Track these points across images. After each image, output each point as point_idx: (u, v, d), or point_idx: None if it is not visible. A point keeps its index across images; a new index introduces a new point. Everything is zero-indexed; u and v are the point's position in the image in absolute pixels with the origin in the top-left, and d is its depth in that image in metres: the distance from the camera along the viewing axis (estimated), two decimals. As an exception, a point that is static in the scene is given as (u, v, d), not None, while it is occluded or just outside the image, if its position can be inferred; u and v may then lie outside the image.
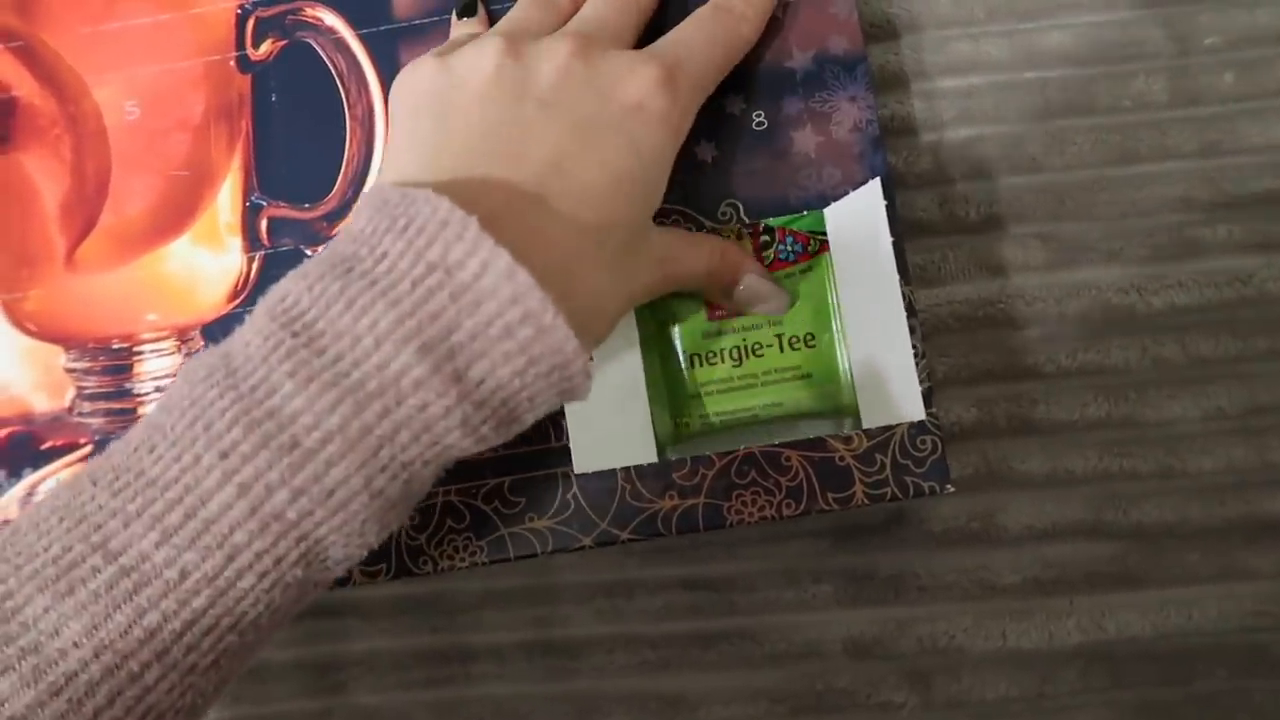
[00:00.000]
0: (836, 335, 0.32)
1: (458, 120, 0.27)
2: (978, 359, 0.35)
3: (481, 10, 0.34)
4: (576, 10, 0.31)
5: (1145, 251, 0.35)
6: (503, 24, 0.31)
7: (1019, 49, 0.36)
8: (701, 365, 0.33)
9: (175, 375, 0.24)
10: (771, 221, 0.33)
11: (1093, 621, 0.33)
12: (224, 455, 0.21)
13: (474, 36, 0.31)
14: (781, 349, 0.32)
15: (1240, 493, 0.34)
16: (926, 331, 0.35)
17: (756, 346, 0.32)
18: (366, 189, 0.34)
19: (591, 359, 0.25)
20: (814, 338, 0.32)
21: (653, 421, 0.31)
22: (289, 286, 0.23)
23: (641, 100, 0.28)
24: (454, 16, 0.34)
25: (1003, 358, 0.35)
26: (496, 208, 0.24)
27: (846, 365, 0.32)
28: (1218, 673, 0.33)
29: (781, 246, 0.33)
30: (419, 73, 0.28)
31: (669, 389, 0.33)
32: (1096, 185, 0.35)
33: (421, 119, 0.27)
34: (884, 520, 0.35)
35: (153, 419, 0.23)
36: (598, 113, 0.27)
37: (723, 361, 0.33)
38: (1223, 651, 0.33)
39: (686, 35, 0.30)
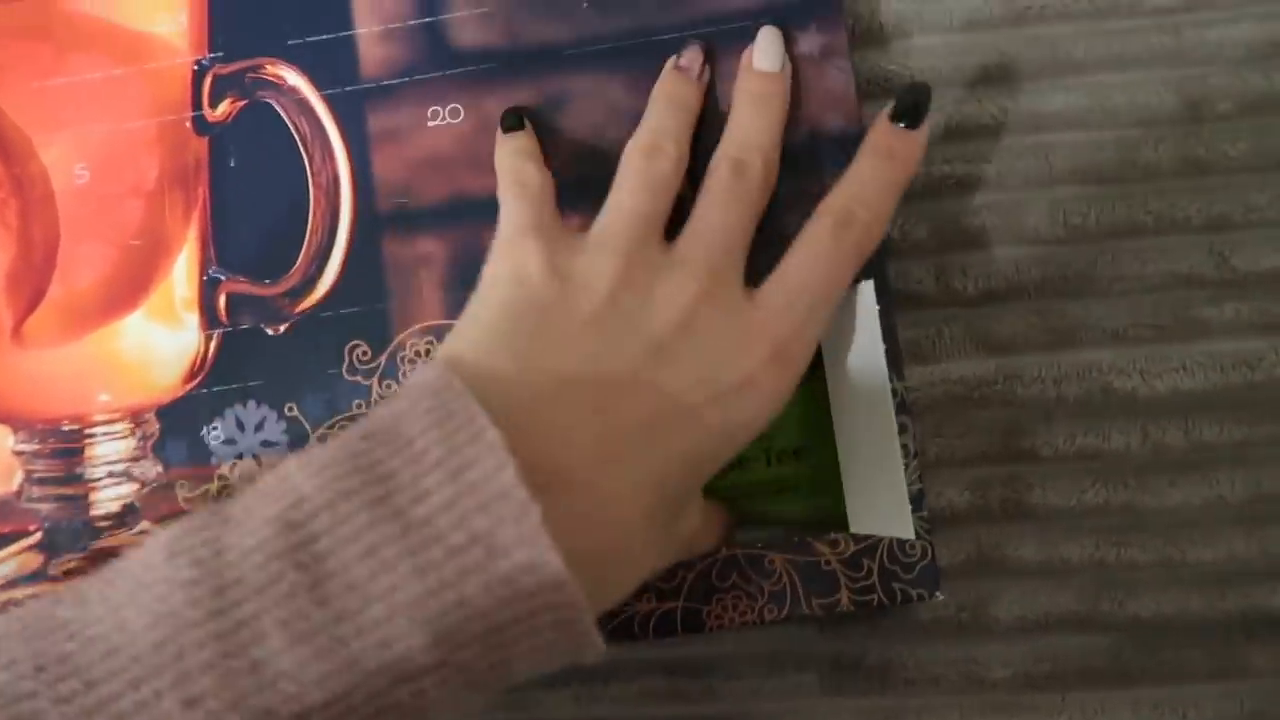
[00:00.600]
0: (825, 449, 0.31)
1: (557, 339, 0.25)
2: (972, 440, 0.33)
3: (528, 126, 0.32)
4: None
5: (1149, 332, 0.33)
6: (620, 222, 0.28)
7: (1022, 112, 0.34)
8: None
9: (153, 534, 0.22)
10: None
11: (1085, 719, 0.32)
12: (189, 704, 0.19)
13: (522, 156, 0.30)
14: (769, 462, 0.31)
15: (1241, 586, 0.32)
16: (919, 410, 0.34)
17: (741, 460, 0.31)
18: (329, 268, 0.32)
19: None
20: (802, 451, 0.31)
21: None
22: (306, 485, 0.21)
23: (754, 375, 0.26)
24: (499, 131, 0.32)
25: (998, 440, 0.33)
26: (571, 465, 0.22)
27: (836, 477, 0.30)
28: (1213, 773, 0.32)
29: None
30: (527, 270, 0.26)
31: None
32: (1100, 258, 0.34)
33: (521, 321, 0.25)
34: (871, 609, 0.33)
35: (117, 599, 0.20)
36: (708, 379, 0.25)
37: None
38: (1219, 752, 0.32)
39: (804, 274, 0.28)
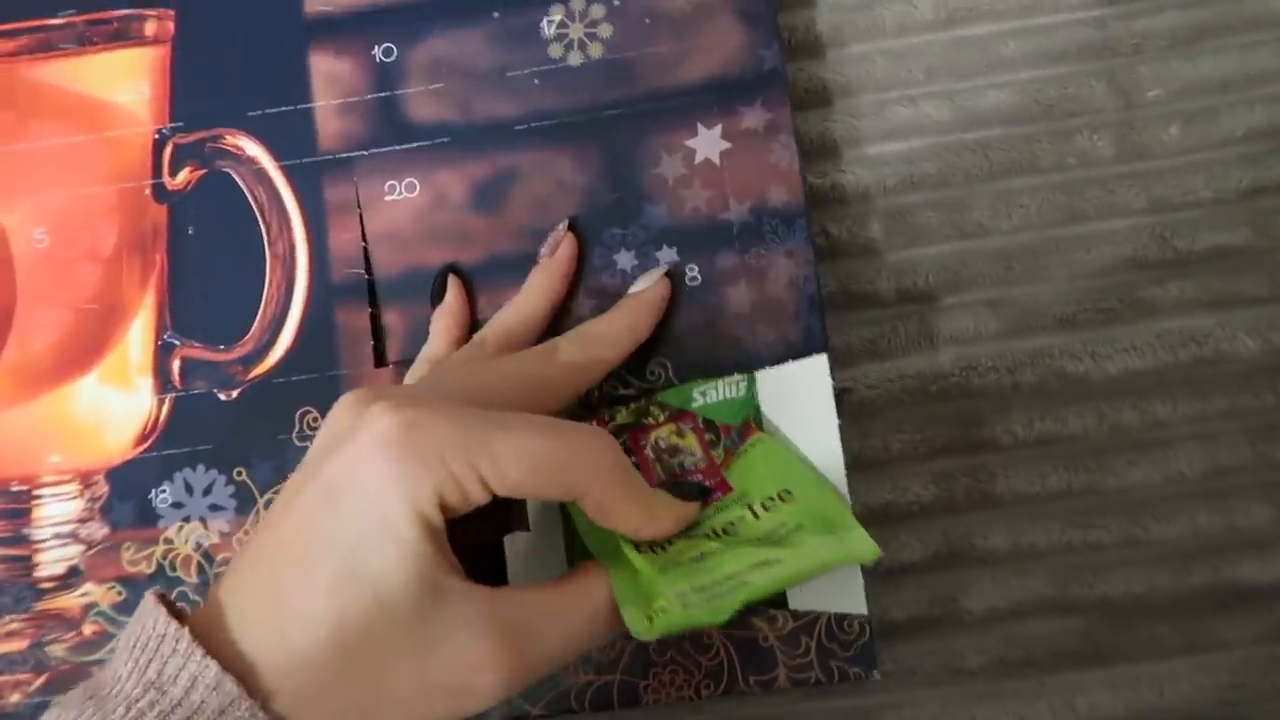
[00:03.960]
0: (808, 484, 0.30)
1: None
2: (933, 433, 0.34)
3: (455, 295, 0.33)
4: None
5: (1098, 315, 0.34)
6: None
7: (959, 110, 0.35)
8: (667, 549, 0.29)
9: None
10: (703, 409, 0.31)
11: (1064, 702, 0.32)
12: None
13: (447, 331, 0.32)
14: (757, 515, 0.29)
15: (1207, 560, 0.33)
16: (880, 406, 0.34)
17: (729, 525, 0.29)
18: (283, 336, 0.33)
19: None
20: (787, 494, 0.30)
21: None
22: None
23: None
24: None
25: (958, 431, 0.34)
26: (246, 602, 0.23)
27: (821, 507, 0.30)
28: (1194, 748, 0.32)
29: (728, 441, 0.31)
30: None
31: (632, 582, 0.29)
32: (1045, 248, 0.34)
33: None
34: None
35: None
36: None
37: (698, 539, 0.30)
38: (1198, 727, 0.32)
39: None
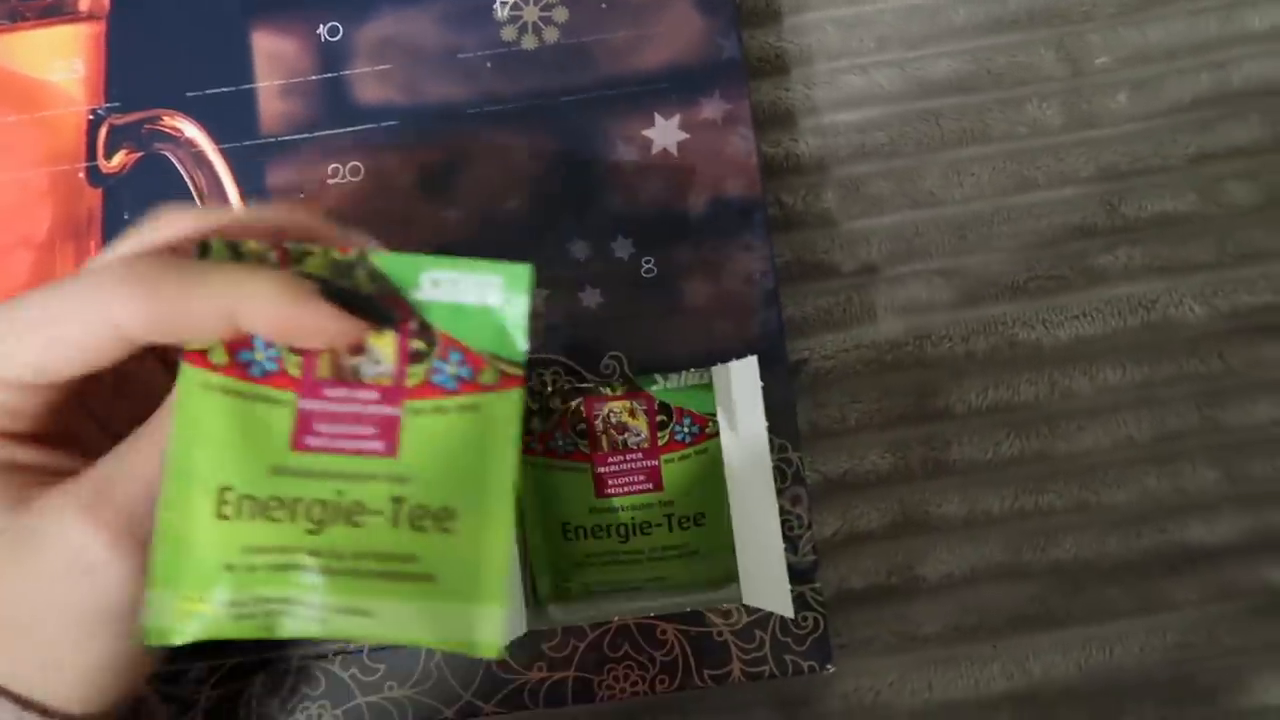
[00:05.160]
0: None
1: None
2: (889, 403, 0.34)
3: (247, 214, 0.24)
4: None
5: (1049, 283, 0.34)
6: None
7: (910, 79, 0.35)
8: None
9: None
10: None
11: (1017, 665, 0.33)
12: None
13: None
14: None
15: (1156, 522, 0.33)
16: (836, 377, 0.34)
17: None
18: None
19: None
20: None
21: (534, 582, 0.30)
22: None
23: None
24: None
25: (913, 400, 0.34)
26: None
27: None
28: (1146, 707, 0.32)
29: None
30: None
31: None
32: (997, 216, 0.35)
33: None
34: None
35: None
36: None
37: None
38: (1149, 686, 0.32)
39: None
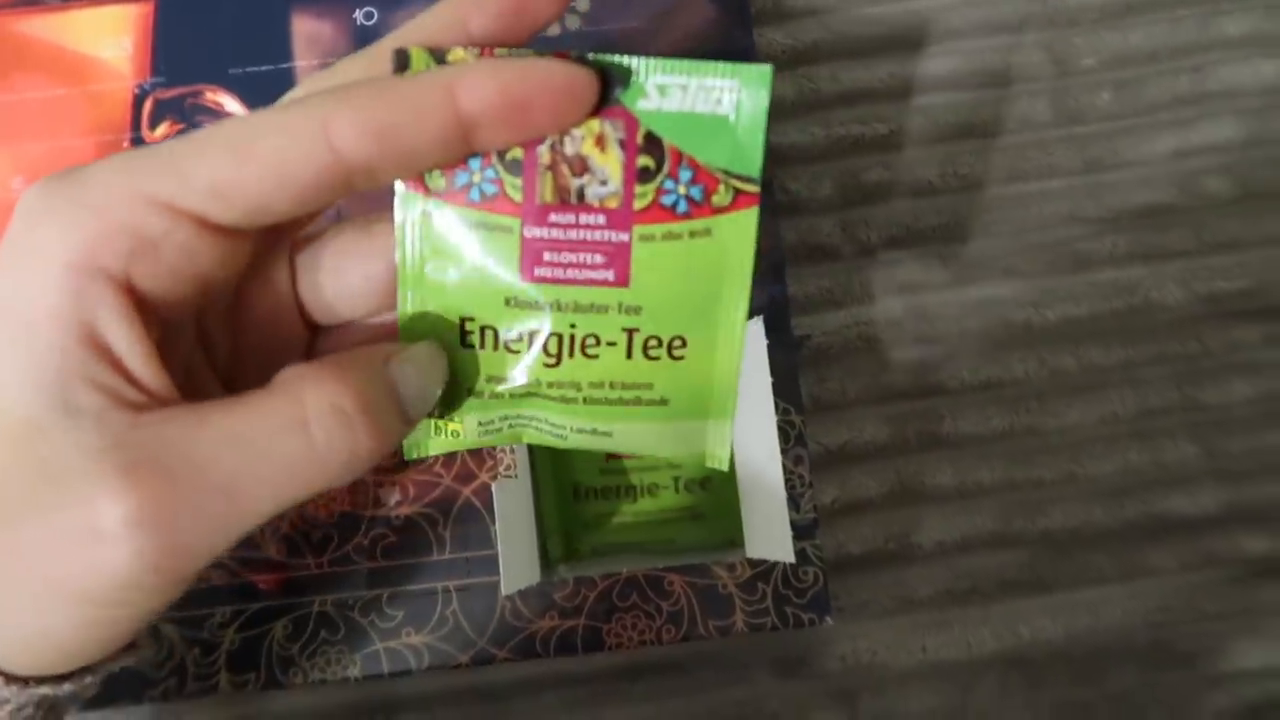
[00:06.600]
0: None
1: None
2: (886, 379, 0.36)
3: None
4: None
5: (1039, 267, 0.36)
6: None
7: (909, 77, 0.37)
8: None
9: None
10: (653, 114, 0.19)
11: (1007, 628, 0.34)
12: None
13: None
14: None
15: (1138, 494, 0.35)
16: (837, 353, 0.36)
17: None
18: None
19: None
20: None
21: (545, 544, 0.31)
22: None
23: None
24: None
25: (910, 376, 0.36)
26: None
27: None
28: (1128, 670, 0.34)
29: (671, 184, 0.19)
30: None
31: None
32: (990, 205, 0.37)
33: None
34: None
35: None
36: None
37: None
38: (1131, 649, 0.34)
39: None
